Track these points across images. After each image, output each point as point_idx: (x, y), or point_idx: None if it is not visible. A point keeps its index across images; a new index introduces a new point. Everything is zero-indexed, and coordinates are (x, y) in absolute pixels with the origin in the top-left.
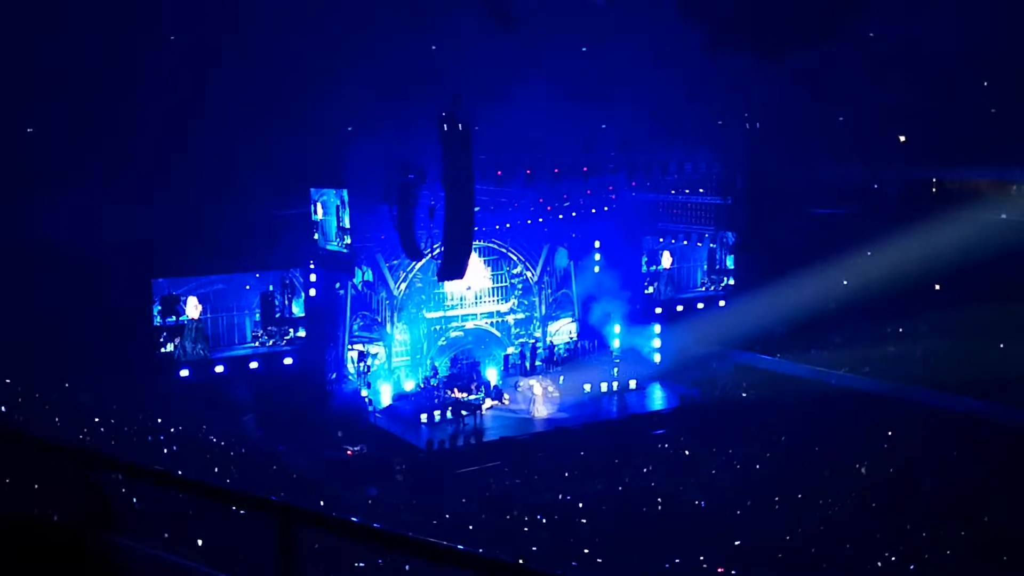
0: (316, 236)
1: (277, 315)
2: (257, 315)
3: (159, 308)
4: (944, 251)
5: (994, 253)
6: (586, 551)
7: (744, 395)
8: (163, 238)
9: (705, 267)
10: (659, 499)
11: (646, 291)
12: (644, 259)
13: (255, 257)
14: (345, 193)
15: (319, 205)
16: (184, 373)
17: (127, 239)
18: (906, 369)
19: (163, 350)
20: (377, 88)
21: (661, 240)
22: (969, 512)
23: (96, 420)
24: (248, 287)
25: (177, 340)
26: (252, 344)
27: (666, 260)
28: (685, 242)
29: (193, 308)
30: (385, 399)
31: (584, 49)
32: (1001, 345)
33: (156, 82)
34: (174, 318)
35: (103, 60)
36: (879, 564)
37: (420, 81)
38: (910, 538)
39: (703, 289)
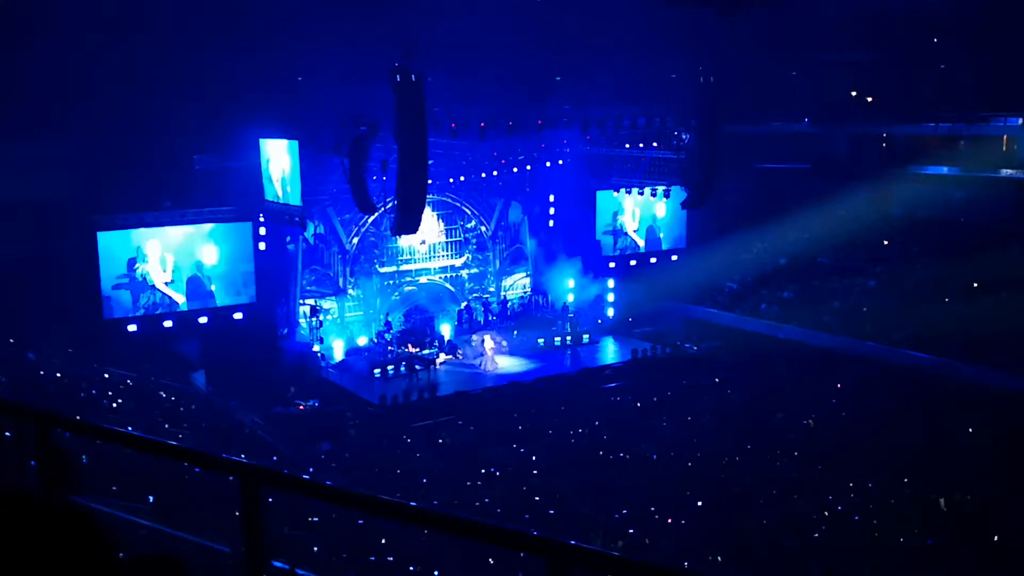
0: (266, 188)
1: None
2: None
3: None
4: (893, 207)
5: (941, 209)
6: (537, 499)
7: (695, 349)
8: (109, 190)
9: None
10: (611, 451)
11: (601, 245)
12: (612, 213)
13: (205, 209)
14: (296, 145)
15: (270, 156)
16: (132, 328)
17: (71, 191)
18: (854, 324)
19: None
20: (329, 38)
21: (616, 195)
22: (914, 464)
23: (42, 373)
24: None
25: (142, 292)
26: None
27: (627, 214)
28: (639, 196)
29: (156, 258)
30: (338, 354)
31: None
32: (946, 299)
33: (105, 26)
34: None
35: (43, 6)
36: (825, 514)
37: (372, 31)
38: (856, 490)
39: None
